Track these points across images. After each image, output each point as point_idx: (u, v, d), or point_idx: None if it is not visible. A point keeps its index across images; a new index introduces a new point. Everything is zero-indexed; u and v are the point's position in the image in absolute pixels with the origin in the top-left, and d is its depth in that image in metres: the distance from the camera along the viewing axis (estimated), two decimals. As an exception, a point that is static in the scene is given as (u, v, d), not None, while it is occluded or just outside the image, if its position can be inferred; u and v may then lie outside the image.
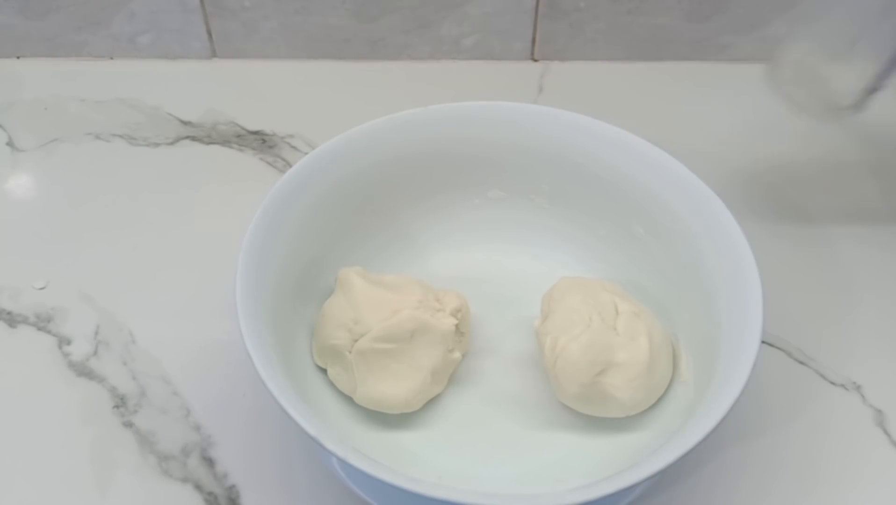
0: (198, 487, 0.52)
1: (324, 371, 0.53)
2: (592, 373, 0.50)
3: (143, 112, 0.74)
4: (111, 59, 0.79)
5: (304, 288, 0.54)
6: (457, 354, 0.53)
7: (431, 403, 0.53)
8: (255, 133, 0.73)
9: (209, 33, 0.78)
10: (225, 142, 0.72)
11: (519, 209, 0.60)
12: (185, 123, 0.73)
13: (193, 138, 0.72)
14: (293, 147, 0.71)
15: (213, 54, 0.79)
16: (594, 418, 0.52)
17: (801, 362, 0.58)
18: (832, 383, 0.57)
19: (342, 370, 0.52)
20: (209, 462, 0.53)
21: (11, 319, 0.60)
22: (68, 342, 0.59)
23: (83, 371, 0.57)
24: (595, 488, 0.41)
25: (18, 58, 0.79)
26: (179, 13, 0.76)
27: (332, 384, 0.52)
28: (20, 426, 0.54)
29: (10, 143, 0.72)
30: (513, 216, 0.60)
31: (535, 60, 0.80)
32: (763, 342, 0.58)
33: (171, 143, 0.72)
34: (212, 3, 0.75)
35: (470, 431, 0.52)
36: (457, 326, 0.52)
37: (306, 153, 0.71)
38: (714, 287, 0.50)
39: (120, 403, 0.56)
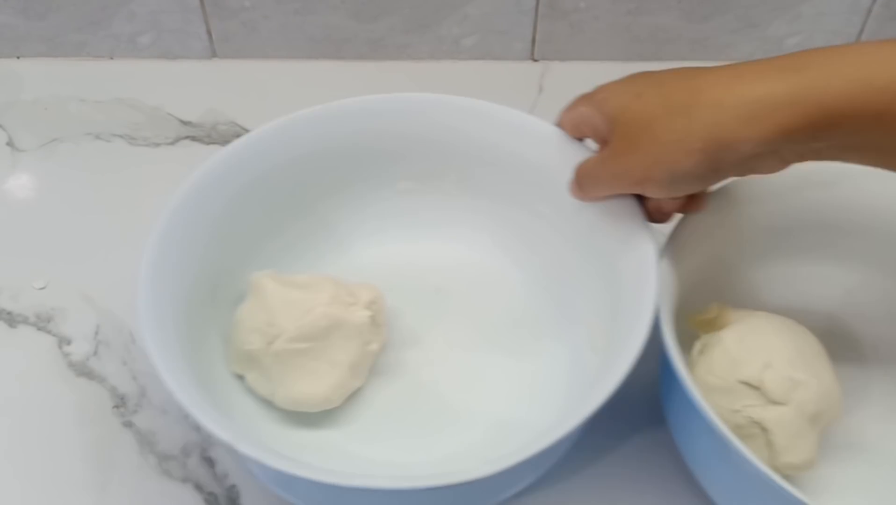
0: (198, 487, 0.52)
1: (241, 378, 0.52)
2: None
3: (143, 112, 0.74)
4: (111, 59, 0.79)
5: (218, 296, 0.53)
6: (374, 346, 0.52)
7: (354, 397, 0.53)
8: (255, 133, 0.73)
9: (209, 33, 0.78)
10: (225, 142, 0.72)
11: (429, 198, 0.60)
12: (185, 123, 0.73)
13: (193, 138, 0.72)
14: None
15: (213, 54, 0.79)
16: (513, 397, 0.53)
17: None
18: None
19: (259, 375, 0.51)
20: (209, 462, 0.53)
21: (11, 319, 0.60)
22: (68, 342, 0.59)
23: (83, 371, 0.57)
24: (488, 467, 0.41)
25: (18, 58, 0.79)
26: (179, 13, 0.76)
27: (250, 391, 0.52)
28: (20, 426, 0.54)
29: (10, 143, 0.72)
30: (423, 205, 0.60)
31: (535, 60, 0.80)
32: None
33: (171, 143, 0.72)
34: (212, 3, 0.75)
35: (394, 420, 0.53)
36: (372, 318, 0.52)
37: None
38: (613, 259, 0.51)
39: (120, 403, 0.56)
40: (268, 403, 0.51)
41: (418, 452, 0.51)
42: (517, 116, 0.56)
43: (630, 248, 0.50)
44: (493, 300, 0.58)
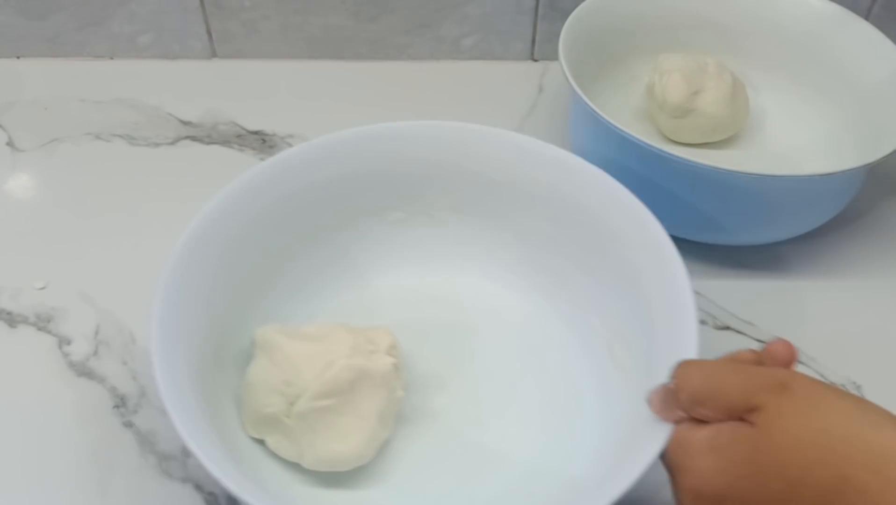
0: (198, 487, 0.52)
1: (261, 442, 0.49)
2: (689, 92, 0.65)
3: (143, 112, 0.74)
4: (111, 59, 0.79)
5: (223, 355, 0.51)
6: (399, 393, 0.50)
7: (383, 448, 0.50)
8: (255, 133, 0.73)
9: (209, 33, 0.78)
10: (225, 142, 0.72)
11: (422, 228, 0.58)
12: (185, 123, 0.73)
13: (193, 138, 0.72)
14: (293, 147, 0.71)
15: (213, 54, 0.79)
16: (545, 433, 0.51)
17: (801, 362, 0.58)
18: (832, 384, 0.57)
19: (283, 437, 0.48)
20: (209, 462, 0.53)
21: (11, 319, 0.60)
22: (68, 342, 0.58)
23: (83, 371, 0.57)
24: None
25: (18, 58, 0.79)
26: (179, 13, 0.76)
27: (272, 454, 0.49)
28: (20, 426, 0.54)
29: (10, 143, 0.72)
30: (417, 236, 0.58)
31: (535, 60, 0.80)
32: (762, 341, 0.59)
33: (171, 143, 0.72)
34: (212, 3, 0.75)
35: (428, 470, 0.50)
36: (394, 364, 0.49)
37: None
38: (636, 275, 0.50)
39: (120, 403, 0.56)
40: (294, 466, 0.49)
41: (459, 499, 0.49)
42: (509, 136, 0.56)
43: (654, 271, 0.48)
44: (507, 328, 0.56)
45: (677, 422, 0.41)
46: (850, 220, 0.66)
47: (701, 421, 0.40)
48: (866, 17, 0.69)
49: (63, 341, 0.59)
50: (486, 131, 0.56)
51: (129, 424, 0.54)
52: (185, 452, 0.53)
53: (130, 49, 0.78)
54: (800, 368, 0.57)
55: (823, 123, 0.69)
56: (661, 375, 0.42)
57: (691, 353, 0.44)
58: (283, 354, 0.48)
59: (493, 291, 0.58)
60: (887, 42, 0.65)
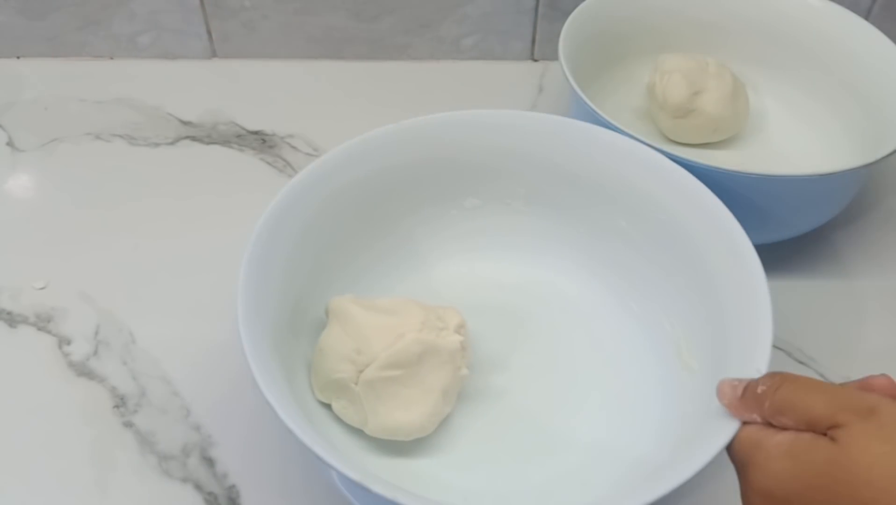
0: (198, 487, 0.52)
1: (327, 406, 0.51)
2: (690, 92, 0.66)
3: (143, 112, 0.74)
4: (111, 59, 0.79)
5: (296, 322, 0.52)
6: (464, 371, 0.51)
7: (444, 423, 0.51)
8: (255, 133, 0.73)
9: (209, 33, 0.78)
10: (225, 142, 0.72)
11: (496, 216, 0.59)
12: (185, 123, 0.73)
13: (193, 138, 0.72)
14: (293, 147, 0.71)
15: (213, 54, 0.79)
16: (604, 418, 0.52)
17: (801, 362, 0.58)
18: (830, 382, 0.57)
19: (348, 403, 0.50)
20: (209, 462, 0.53)
21: (11, 319, 0.60)
22: (68, 342, 0.59)
23: (83, 371, 0.57)
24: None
25: (18, 58, 0.79)
26: (179, 13, 0.76)
27: (337, 419, 0.51)
28: (20, 426, 0.54)
29: (10, 143, 0.72)
30: (491, 223, 0.59)
31: (535, 60, 0.80)
32: (763, 342, 0.58)
33: (171, 143, 0.72)
34: (212, 3, 0.75)
35: (487, 447, 0.51)
36: (461, 342, 0.50)
37: (307, 153, 0.71)
38: (712, 280, 0.50)
39: (120, 403, 0.56)
40: (355, 432, 0.50)
41: (515, 481, 0.50)
42: (591, 129, 0.55)
43: (731, 275, 0.48)
44: (574, 320, 0.57)
45: (747, 423, 0.41)
46: (850, 220, 0.66)
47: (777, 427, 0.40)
48: (866, 17, 0.69)
49: (63, 341, 0.59)
50: (569, 123, 0.56)
51: (129, 424, 0.54)
52: (185, 452, 0.53)
53: (130, 49, 0.78)
54: (800, 368, 0.57)
55: (823, 123, 0.69)
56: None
57: (761, 366, 0.43)
58: (355, 323, 0.50)
59: (563, 282, 0.58)
60: (887, 42, 0.65)
